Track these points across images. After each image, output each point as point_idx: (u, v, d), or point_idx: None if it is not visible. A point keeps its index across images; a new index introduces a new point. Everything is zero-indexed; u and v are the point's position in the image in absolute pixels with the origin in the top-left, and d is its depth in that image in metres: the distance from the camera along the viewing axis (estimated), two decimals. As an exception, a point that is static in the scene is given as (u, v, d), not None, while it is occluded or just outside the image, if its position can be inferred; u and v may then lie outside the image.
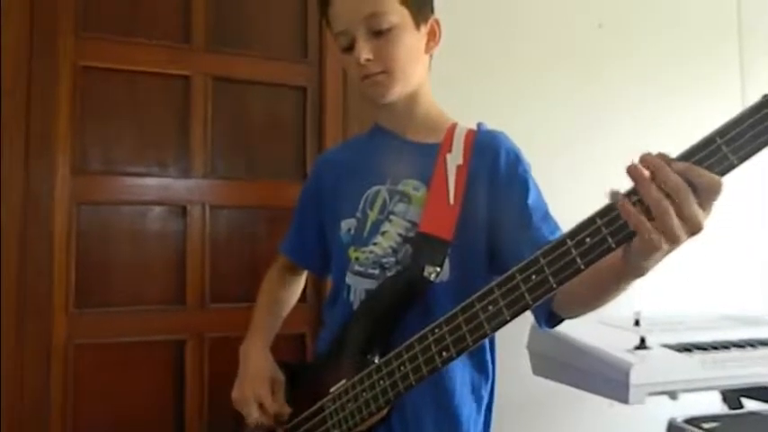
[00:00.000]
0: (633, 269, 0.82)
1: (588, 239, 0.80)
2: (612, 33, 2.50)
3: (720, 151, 0.72)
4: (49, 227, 1.84)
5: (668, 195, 0.74)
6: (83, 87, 1.93)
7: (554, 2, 2.44)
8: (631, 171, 0.76)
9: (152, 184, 1.99)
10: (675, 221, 0.74)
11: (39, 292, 1.82)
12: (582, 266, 0.81)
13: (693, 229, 0.75)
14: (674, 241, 0.75)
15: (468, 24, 2.25)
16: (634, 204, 0.76)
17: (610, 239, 0.78)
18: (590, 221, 0.80)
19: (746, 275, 2.46)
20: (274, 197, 2.08)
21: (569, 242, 0.81)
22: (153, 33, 2.03)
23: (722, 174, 0.73)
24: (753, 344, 1.77)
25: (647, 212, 0.75)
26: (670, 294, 2.09)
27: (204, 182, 2.04)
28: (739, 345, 1.75)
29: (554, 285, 0.83)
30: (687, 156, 0.74)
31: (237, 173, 2.11)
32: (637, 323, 1.92)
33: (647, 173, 0.75)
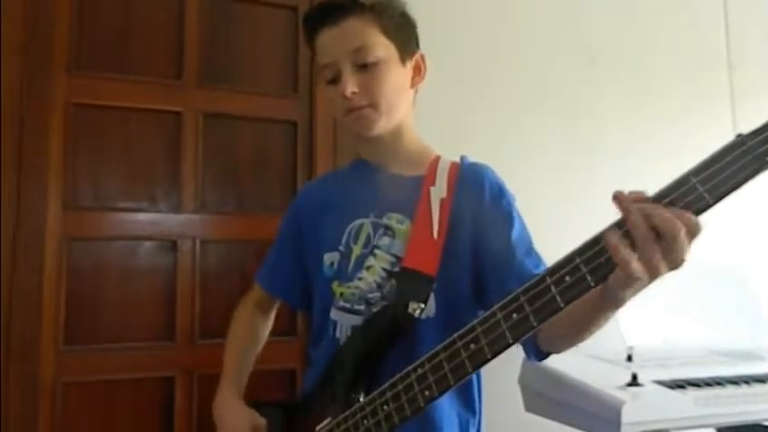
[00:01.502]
0: (611, 301, 0.82)
1: (568, 278, 0.79)
2: (604, 68, 2.52)
3: (696, 191, 0.72)
4: (40, 262, 1.84)
5: (657, 233, 0.73)
6: (75, 124, 1.94)
7: (546, 36, 2.46)
8: (619, 198, 0.75)
9: (143, 219, 1.99)
10: (659, 256, 0.73)
11: (27, 329, 1.80)
12: (561, 305, 0.80)
13: (675, 266, 0.75)
14: (654, 275, 0.75)
15: (459, 58, 2.27)
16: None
17: (589, 278, 0.78)
18: (569, 259, 0.80)
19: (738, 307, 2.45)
20: (265, 231, 2.02)
21: (549, 280, 0.81)
22: (145, 70, 2.04)
23: (698, 214, 0.73)
24: (747, 380, 1.74)
25: (631, 243, 0.74)
26: (662, 328, 2.08)
27: (195, 216, 2.04)
28: (733, 381, 1.73)
29: (534, 324, 0.82)
30: (662, 195, 0.74)
31: (228, 207, 2.11)
32: (629, 358, 1.90)
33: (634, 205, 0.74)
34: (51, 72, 1.90)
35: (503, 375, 1.71)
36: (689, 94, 2.62)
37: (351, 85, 1.15)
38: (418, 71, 1.25)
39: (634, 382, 1.64)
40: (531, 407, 1.90)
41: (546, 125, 2.40)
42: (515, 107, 2.38)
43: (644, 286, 0.78)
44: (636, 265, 0.74)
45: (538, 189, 2.07)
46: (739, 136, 0.71)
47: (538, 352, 1.07)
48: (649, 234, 0.73)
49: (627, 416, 1.51)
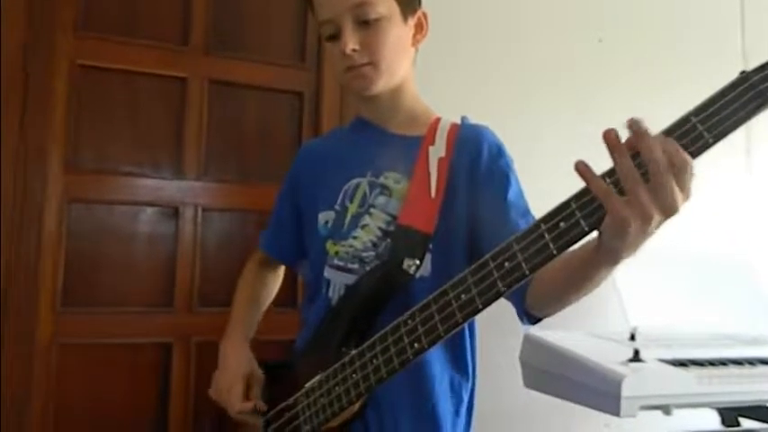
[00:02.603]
0: (607, 254, 0.79)
1: (562, 224, 0.77)
2: (612, 48, 2.48)
3: (695, 130, 0.70)
4: (40, 224, 1.82)
5: (644, 171, 0.70)
6: (79, 85, 1.92)
7: (554, 16, 2.42)
8: (607, 137, 0.73)
9: (145, 185, 1.98)
10: (646, 197, 0.70)
11: (25, 290, 1.79)
12: (554, 251, 0.78)
13: (667, 210, 0.71)
14: (645, 218, 0.71)
15: (469, 37, 2.24)
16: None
17: (583, 222, 0.75)
18: (564, 205, 0.78)
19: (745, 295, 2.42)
20: (268, 202, 2.00)
21: (543, 226, 0.79)
22: (151, 34, 2.03)
23: (697, 153, 0.70)
24: (752, 362, 1.70)
25: (618, 187, 0.72)
26: (667, 313, 2.05)
27: (197, 184, 2.03)
28: (737, 362, 1.70)
29: (527, 272, 0.80)
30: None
31: (231, 176, 2.09)
32: (632, 338, 1.87)
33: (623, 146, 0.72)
34: (56, 32, 1.88)
35: (504, 351, 1.69)
36: (702, 81, 2.56)
37: (351, 43, 1.13)
38: (420, 29, 1.23)
39: (636, 358, 1.61)
40: (529, 382, 1.87)
41: (555, 106, 2.36)
42: (526, 88, 2.35)
43: (638, 238, 0.74)
44: (622, 207, 0.71)
45: (545, 169, 2.05)
46: (743, 73, 0.69)
47: (528, 317, 1.05)
48: (633, 171, 0.71)
49: (627, 390, 1.47)
